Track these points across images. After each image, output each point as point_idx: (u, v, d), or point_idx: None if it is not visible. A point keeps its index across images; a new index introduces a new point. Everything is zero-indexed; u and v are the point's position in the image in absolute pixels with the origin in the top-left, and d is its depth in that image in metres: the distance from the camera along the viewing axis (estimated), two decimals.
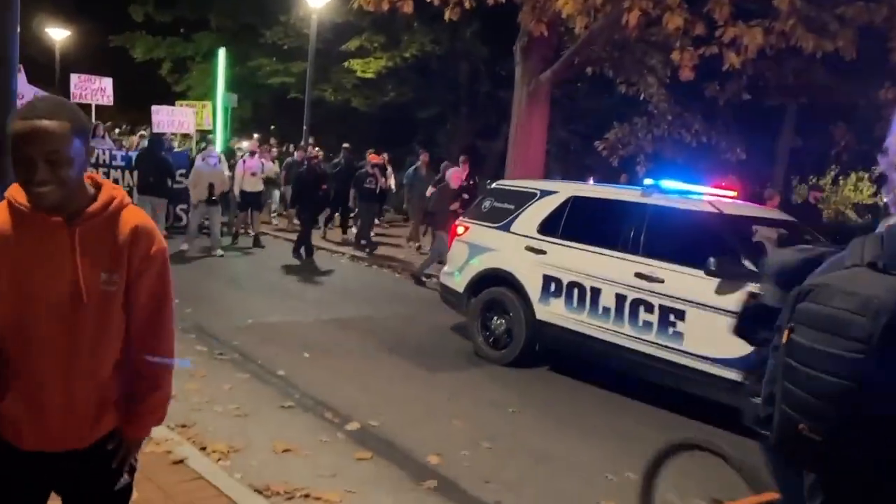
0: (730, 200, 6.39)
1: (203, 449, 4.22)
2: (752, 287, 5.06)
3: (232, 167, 13.57)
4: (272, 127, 27.19)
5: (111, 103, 13.52)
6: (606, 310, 6.06)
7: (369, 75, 21.02)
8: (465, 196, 10.94)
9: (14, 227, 1.81)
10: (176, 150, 14.08)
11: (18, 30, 3.61)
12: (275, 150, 17.06)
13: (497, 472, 4.45)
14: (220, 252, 11.31)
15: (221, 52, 17.43)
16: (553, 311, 6.44)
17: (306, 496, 3.83)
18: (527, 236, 6.83)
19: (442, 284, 7.79)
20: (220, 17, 23.31)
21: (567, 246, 6.49)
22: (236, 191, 12.81)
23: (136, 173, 11.43)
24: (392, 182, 15.62)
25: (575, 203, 6.66)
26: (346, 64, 21.11)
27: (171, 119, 14.07)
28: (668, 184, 6.23)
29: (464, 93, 22.71)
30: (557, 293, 6.42)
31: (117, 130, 17.55)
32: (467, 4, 10.83)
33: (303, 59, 18.68)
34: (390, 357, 6.81)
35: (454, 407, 5.55)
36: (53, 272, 1.80)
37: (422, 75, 22.13)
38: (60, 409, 1.87)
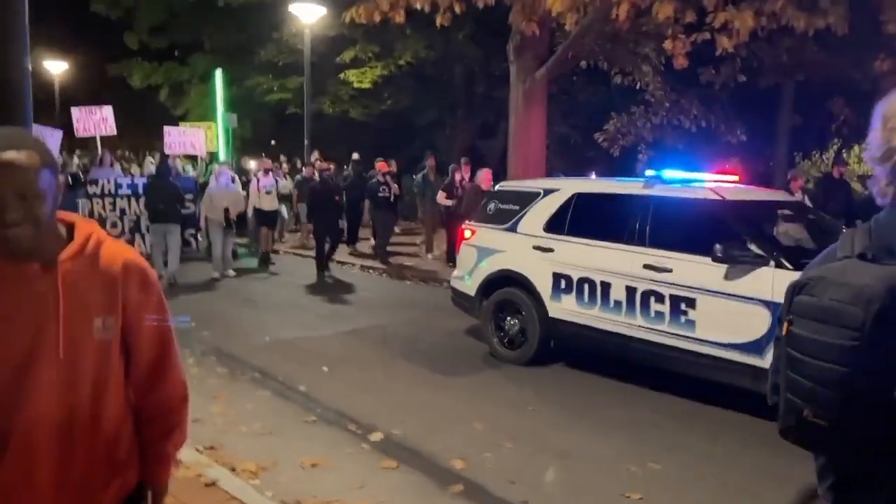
0: (732, 185, 6.44)
1: (233, 469, 4.32)
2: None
3: (245, 186, 13.66)
4: (272, 143, 27.35)
5: (114, 133, 13.56)
6: (618, 303, 6.12)
7: (366, 85, 21.12)
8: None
9: None
10: (184, 175, 13.95)
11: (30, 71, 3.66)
12: (286, 165, 17.04)
13: (521, 472, 4.52)
14: (232, 272, 11.42)
15: (218, 74, 17.58)
16: (565, 308, 6.50)
17: None
18: (534, 235, 6.90)
19: (453, 288, 7.87)
20: (214, 39, 23.46)
21: (574, 242, 6.55)
22: (249, 211, 12.86)
23: (143, 201, 11.39)
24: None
25: (579, 199, 6.72)
26: (341, 76, 21.21)
27: (183, 140, 13.89)
28: (669, 174, 6.29)
29: (460, 95, 22.77)
30: (568, 290, 6.48)
31: (122, 157, 17.62)
32: (458, 9, 10.90)
33: (298, 74, 18.81)
34: (407, 364, 6.90)
35: (474, 409, 5.63)
36: (37, 329, 1.58)
37: (418, 81, 22.21)
38: (62, 486, 1.63)
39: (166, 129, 14.09)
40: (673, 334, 5.73)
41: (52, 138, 9.82)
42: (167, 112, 25.77)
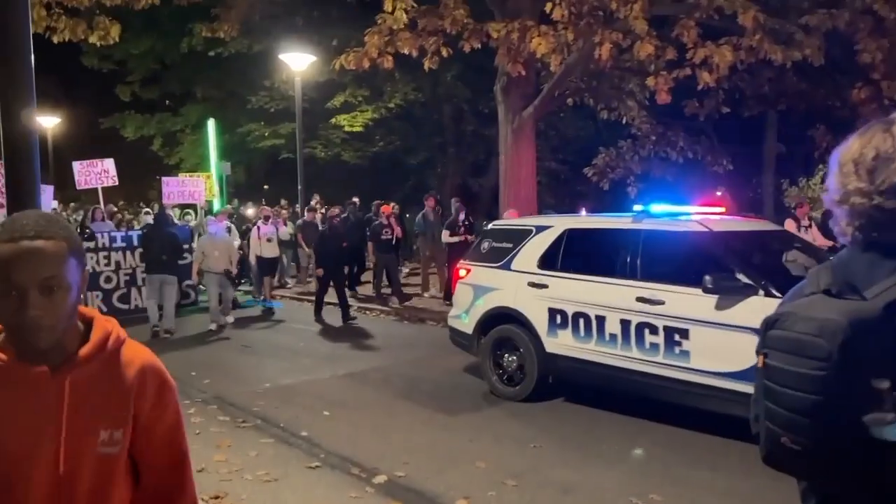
0: (718, 217, 6.59)
1: None
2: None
3: (245, 234, 13.71)
4: (265, 187, 27.59)
5: (116, 183, 13.71)
6: (613, 336, 6.21)
7: (357, 129, 21.46)
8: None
9: None
10: (181, 223, 13.92)
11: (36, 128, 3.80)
12: (285, 211, 16.88)
13: None
14: (231, 319, 11.39)
15: (211, 123, 17.82)
16: (562, 343, 6.59)
17: None
18: (528, 272, 7.01)
19: (451, 327, 7.95)
20: (206, 88, 23.85)
21: (568, 278, 6.67)
22: (252, 258, 12.86)
23: (138, 253, 11.35)
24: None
25: (570, 235, 6.86)
26: (332, 120, 21.56)
27: (182, 189, 13.91)
28: (657, 208, 6.44)
29: (450, 134, 23.13)
30: (564, 325, 6.58)
31: (115, 209, 17.68)
32: (444, 53, 11.18)
33: (290, 120, 19.11)
34: (408, 405, 6.94)
35: (476, 448, 5.67)
36: (36, 439, 1.43)
37: (408, 122, 22.58)
38: None
39: (164, 179, 14.20)
40: (668, 365, 5.82)
41: (43, 194, 9.91)
42: (160, 162, 26.06)
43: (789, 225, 10.39)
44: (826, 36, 10.13)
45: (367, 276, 15.25)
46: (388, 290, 13.50)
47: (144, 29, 20.74)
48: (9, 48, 3.57)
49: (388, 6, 10.80)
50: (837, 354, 1.33)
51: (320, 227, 14.56)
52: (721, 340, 5.46)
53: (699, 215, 6.48)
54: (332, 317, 11.96)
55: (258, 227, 13.18)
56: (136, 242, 11.65)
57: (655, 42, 9.50)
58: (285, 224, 14.99)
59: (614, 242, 6.48)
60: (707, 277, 5.47)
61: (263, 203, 19.31)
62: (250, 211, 17.06)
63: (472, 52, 11.40)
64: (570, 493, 4.82)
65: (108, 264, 11.64)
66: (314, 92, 20.20)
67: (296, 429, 6.18)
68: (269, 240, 12.98)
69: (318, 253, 12.23)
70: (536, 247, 7.04)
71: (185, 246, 11.88)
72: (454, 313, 7.86)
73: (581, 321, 6.44)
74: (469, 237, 11.72)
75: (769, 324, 1.50)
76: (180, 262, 11.34)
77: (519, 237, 7.29)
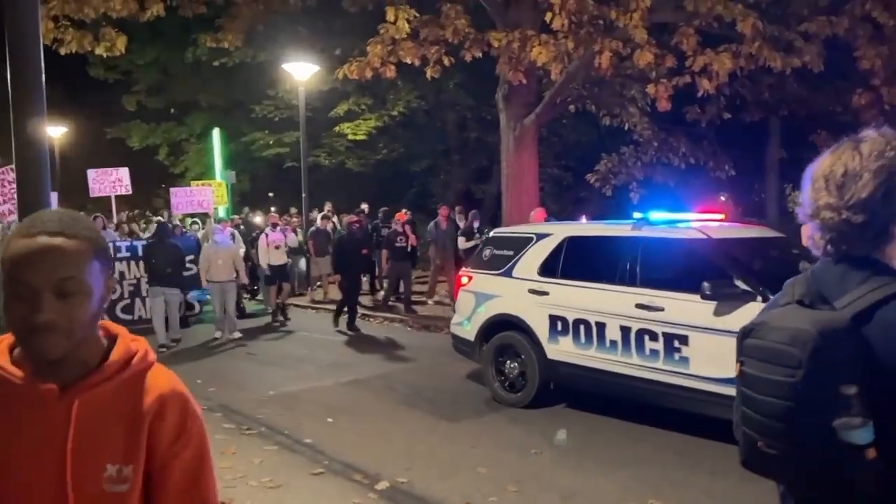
0: (717, 224, 6.65)
1: None
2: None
3: (254, 242, 13.70)
4: (270, 195, 27.74)
5: (129, 192, 13.83)
6: (613, 343, 6.27)
7: (360, 137, 21.58)
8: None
9: None
10: (190, 232, 13.67)
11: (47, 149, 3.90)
12: (295, 219, 16.68)
13: None
14: (237, 334, 10.92)
15: (216, 133, 17.94)
16: (563, 350, 6.65)
17: None
18: (529, 279, 7.08)
19: (453, 334, 8.01)
20: (211, 97, 24.00)
21: (568, 285, 6.73)
22: (264, 265, 12.75)
23: (143, 263, 11.13)
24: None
25: (570, 243, 6.92)
26: (336, 128, 21.68)
27: (190, 199, 13.91)
28: (656, 215, 6.50)
29: (453, 141, 23.24)
30: (565, 332, 6.64)
31: (124, 219, 17.74)
32: (446, 62, 11.27)
33: (294, 128, 19.26)
34: (411, 411, 7.01)
35: (478, 454, 5.73)
36: (35, 468, 1.27)
37: (411, 130, 22.70)
38: None
39: (173, 190, 14.25)
40: (668, 371, 5.87)
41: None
42: (165, 171, 26.22)
43: (806, 231, 10.41)
44: (825, 42, 10.18)
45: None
46: (397, 297, 13.48)
47: (150, 40, 20.93)
48: (20, 60, 3.66)
49: (390, 16, 10.91)
50: (808, 362, 1.40)
51: (332, 235, 14.62)
52: (720, 347, 5.50)
53: (698, 222, 6.54)
54: (323, 322, 12.04)
55: (266, 235, 13.07)
56: (140, 253, 11.55)
57: (655, 50, 9.56)
58: (295, 232, 14.82)
59: (614, 250, 6.54)
60: (705, 284, 5.53)
61: (273, 211, 19.35)
62: (258, 219, 17.06)
63: (474, 60, 11.50)
64: (571, 498, 4.88)
65: (112, 274, 11.64)
66: (318, 101, 20.33)
67: (299, 436, 6.25)
68: (277, 247, 12.84)
69: (338, 260, 12.09)
70: (537, 254, 7.11)
71: (190, 257, 11.71)
72: (456, 320, 7.93)
73: (582, 328, 6.50)
74: None
75: (745, 333, 1.57)
76: (186, 273, 11.21)
77: (520, 245, 7.36)
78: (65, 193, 26.32)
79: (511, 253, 7.40)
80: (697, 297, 5.64)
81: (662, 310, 5.92)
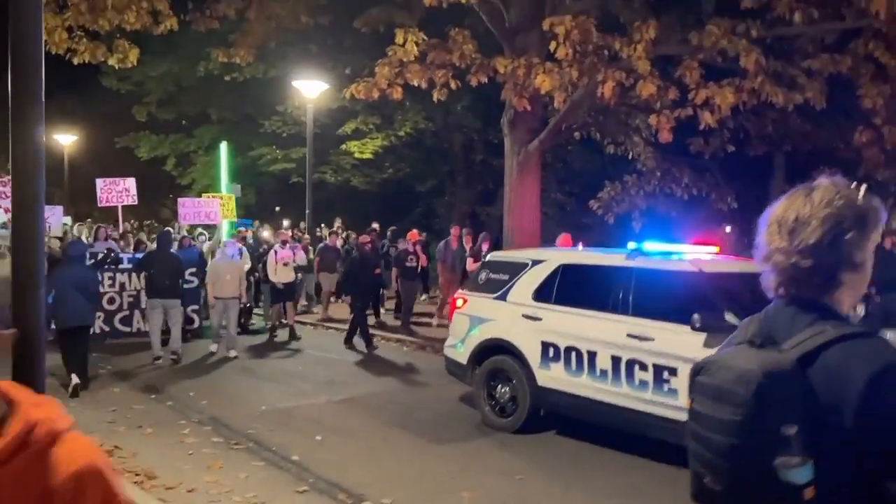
0: (710, 257, 6.69)
1: None
2: None
3: (260, 256, 13.63)
4: (277, 209, 27.90)
5: (136, 202, 13.97)
6: (604, 372, 6.29)
7: (367, 155, 21.75)
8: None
9: None
10: (196, 244, 13.41)
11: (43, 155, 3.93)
12: (307, 237, 16.33)
13: None
14: (234, 353, 10.64)
15: (223, 146, 18.08)
16: (553, 377, 6.67)
17: None
18: (522, 304, 7.11)
19: (446, 356, 8.03)
20: (221, 111, 24.23)
21: (561, 311, 6.77)
22: (271, 278, 12.58)
23: (143, 275, 10.85)
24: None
25: (565, 270, 6.97)
26: (343, 146, 21.84)
27: (197, 211, 13.93)
28: (650, 246, 6.54)
29: (459, 163, 23.39)
30: (556, 358, 6.66)
31: (130, 229, 17.84)
32: (453, 85, 11.40)
33: (302, 144, 19.40)
34: (401, 432, 7.02)
35: (464, 478, 5.74)
36: None
37: (418, 150, 22.88)
38: None
39: (180, 200, 14.30)
40: (657, 402, 5.88)
41: (53, 216, 10.11)
42: (172, 182, 26.40)
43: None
44: (828, 80, 10.28)
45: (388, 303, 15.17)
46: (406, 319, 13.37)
47: (163, 52, 21.18)
48: (21, 67, 3.70)
49: (399, 38, 11.06)
50: (751, 402, 1.45)
51: (341, 252, 14.61)
52: None
53: (691, 254, 6.58)
54: (331, 340, 12.08)
55: (275, 252, 12.74)
56: (142, 265, 11.32)
57: (658, 82, 9.66)
58: (305, 250, 14.51)
59: (607, 278, 6.57)
60: (695, 316, 5.55)
61: (285, 227, 19.38)
62: (265, 233, 17.03)
63: (482, 84, 11.60)
64: None
65: (112, 285, 11.37)
66: (326, 118, 20.52)
67: (287, 452, 6.26)
68: (285, 264, 12.55)
69: (351, 281, 11.92)
70: (532, 279, 7.15)
71: (192, 269, 11.59)
72: (450, 342, 7.96)
73: (573, 355, 6.52)
74: None
75: (697, 370, 1.62)
76: (187, 286, 11.11)
77: (515, 269, 7.40)
78: (73, 201, 26.61)
79: (506, 277, 7.44)
80: (687, 329, 5.66)
81: (653, 340, 5.95)
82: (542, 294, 7.00)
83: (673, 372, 5.78)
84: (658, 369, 5.89)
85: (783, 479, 1.40)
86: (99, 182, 13.71)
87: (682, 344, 5.74)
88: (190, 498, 5.19)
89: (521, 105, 10.88)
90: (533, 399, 6.80)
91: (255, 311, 14.34)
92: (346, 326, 11.82)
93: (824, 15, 9.82)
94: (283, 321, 12.64)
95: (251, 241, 15.03)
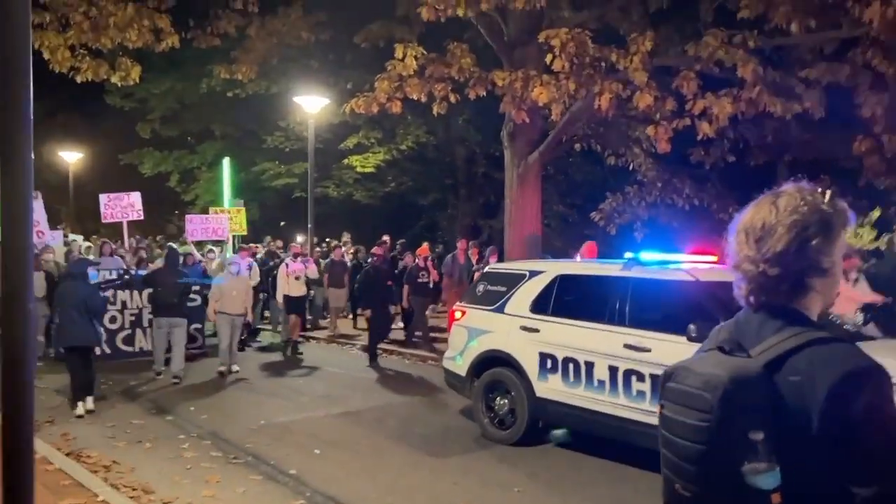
0: (707, 267, 6.67)
1: None
2: None
3: (270, 270, 13.57)
4: (282, 223, 27.98)
5: (142, 217, 13.87)
6: (601, 382, 6.27)
7: (369, 169, 21.82)
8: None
9: None
10: (202, 261, 13.19)
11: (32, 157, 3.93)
12: (318, 249, 16.28)
13: None
14: (236, 368, 10.59)
15: (226, 162, 18.17)
16: (552, 388, 6.65)
17: None
18: (520, 316, 7.11)
19: (445, 369, 8.02)
20: (224, 127, 24.38)
21: (559, 323, 6.76)
22: (279, 297, 12.52)
23: (146, 293, 10.81)
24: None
25: (562, 281, 6.97)
26: (345, 161, 21.93)
27: (206, 227, 13.85)
28: (647, 256, 6.54)
29: (461, 175, 23.44)
30: (554, 370, 6.65)
31: (136, 241, 17.79)
32: (452, 99, 11.44)
33: (304, 159, 19.44)
34: (399, 446, 7.00)
35: (461, 492, 5.72)
36: None
37: (419, 164, 22.94)
38: None
39: (188, 217, 14.22)
40: (655, 413, 5.84)
41: (53, 240, 10.16)
42: (176, 198, 26.52)
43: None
44: (826, 89, 10.27)
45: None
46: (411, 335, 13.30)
47: (165, 70, 21.35)
48: (7, 78, 3.66)
49: (398, 53, 11.12)
50: (718, 407, 1.45)
51: (349, 266, 14.58)
52: None
53: (688, 264, 6.57)
54: (332, 353, 12.07)
55: (286, 265, 12.71)
56: (146, 283, 10.80)
57: (655, 93, 9.69)
58: (317, 263, 14.43)
59: (604, 289, 6.57)
60: (691, 326, 5.53)
61: (298, 241, 19.37)
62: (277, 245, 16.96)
63: (482, 97, 11.64)
64: None
65: (113, 303, 11.06)
66: (328, 133, 20.61)
67: (285, 466, 6.25)
68: (297, 278, 12.53)
69: (364, 293, 11.82)
70: (529, 291, 7.15)
71: (196, 287, 11.38)
72: (449, 355, 7.95)
73: (570, 366, 6.51)
74: None
75: (667, 376, 1.62)
76: (191, 304, 10.99)
77: (513, 281, 7.41)
78: (78, 219, 26.72)
79: (504, 289, 7.44)
80: (684, 339, 5.63)
81: (649, 350, 5.93)
82: (539, 305, 7.00)
83: None
84: (655, 380, 5.86)
85: (751, 485, 1.40)
86: (102, 198, 13.56)
87: (678, 354, 5.68)
88: None
89: (520, 117, 10.91)
90: (531, 411, 6.79)
91: (260, 326, 14.32)
92: (353, 342, 11.71)
93: (822, 25, 9.84)
94: (302, 334, 12.46)
95: (261, 256, 14.98)
